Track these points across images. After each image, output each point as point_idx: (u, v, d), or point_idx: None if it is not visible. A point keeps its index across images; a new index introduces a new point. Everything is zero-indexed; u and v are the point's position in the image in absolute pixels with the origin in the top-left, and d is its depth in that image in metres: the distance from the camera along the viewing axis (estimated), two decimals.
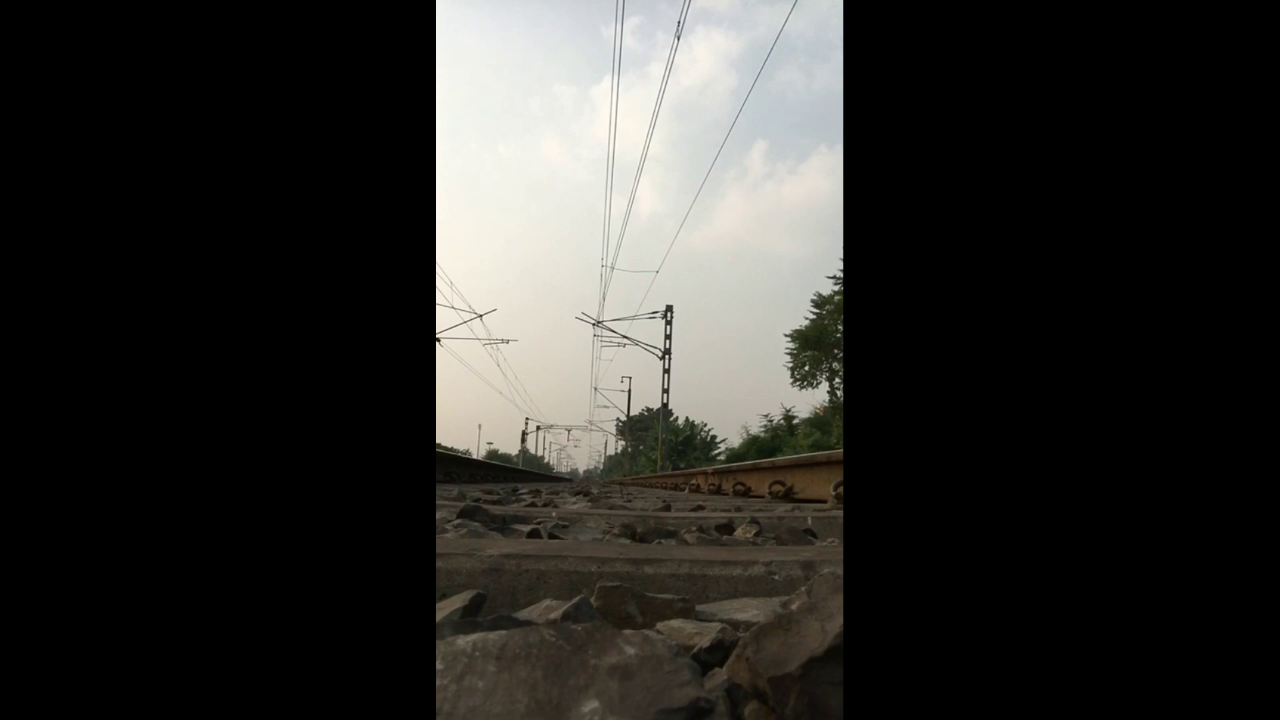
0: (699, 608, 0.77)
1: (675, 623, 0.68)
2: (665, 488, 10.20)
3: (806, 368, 29.59)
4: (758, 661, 0.50)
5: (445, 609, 0.68)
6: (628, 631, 0.49)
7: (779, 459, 5.81)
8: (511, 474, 16.25)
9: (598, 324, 21.23)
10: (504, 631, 0.49)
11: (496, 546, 1.03)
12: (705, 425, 33.37)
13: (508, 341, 26.45)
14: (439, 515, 1.81)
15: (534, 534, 1.61)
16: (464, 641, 0.47)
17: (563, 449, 77.25)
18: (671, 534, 1.66)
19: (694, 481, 8.90)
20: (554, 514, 2.23)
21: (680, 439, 31.06)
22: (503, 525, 1.81)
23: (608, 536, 1.67)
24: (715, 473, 7.85)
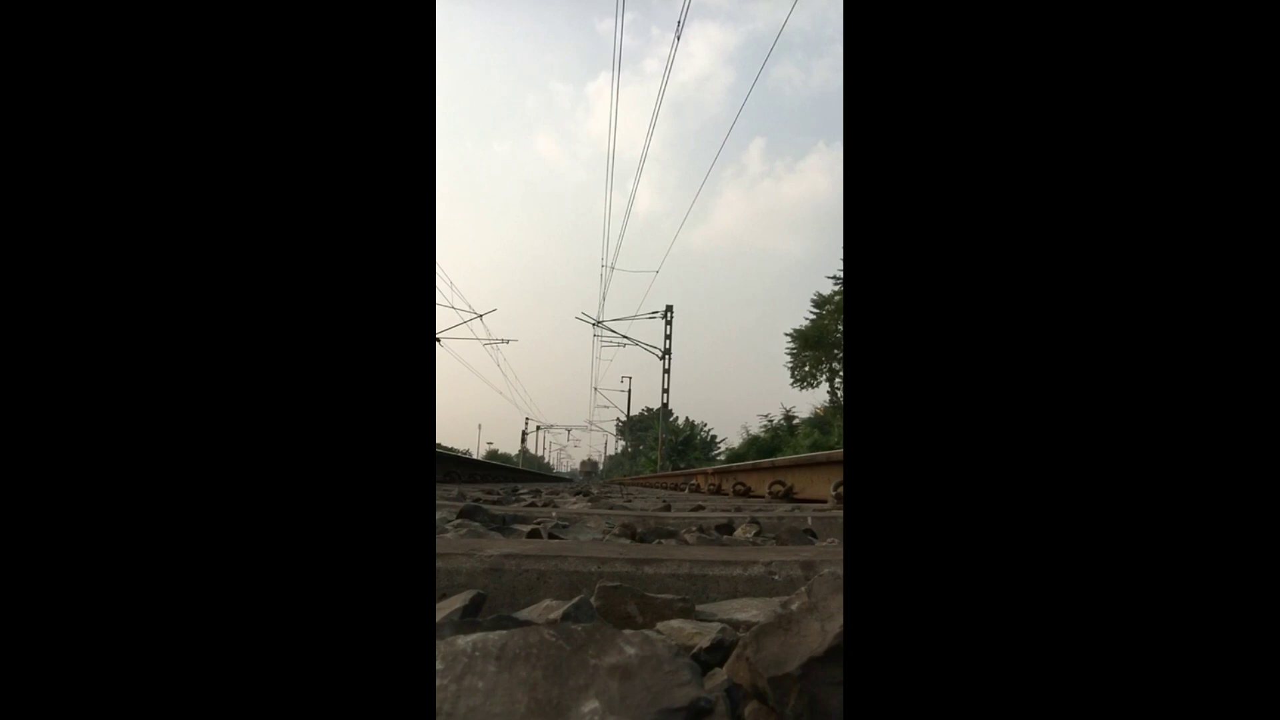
0: (699, 608, 0.77)
1: (675, 623, 0.68)
2: (665, 488, 10.19)
3: (806, 368, 29.58)
4: (758, 661, 0.50)
5: (445, 609, 0.68)
6: (628, 631, 0.49)
7: (779, 459, 5.81)
8: (511, 474, 16.26)
9: (598, 324, 21.24)
10: (504, 631, 0.49)
11: (496, 546, 1.03)
12: (705, 425, 33.40)
13: (508, 341, 26.48)
14: (439, 515, 1.81)
15: (534, 534, 1.61)
16: (464, 641, 0.47)
17: (563, 449, 77.26)
18: (671, 534, 1.66)
19: (694, 481, 8.90)
20: (554, 514, 2.23)
21: (680, 439, 31.06)
22: (503, 525, 1.81)
23: (608, 536, 1.67)
24: (715, 473, 7.85)
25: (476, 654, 0.46)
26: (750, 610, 0.76)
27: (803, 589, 0.57)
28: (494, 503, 3.04)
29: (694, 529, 1.75)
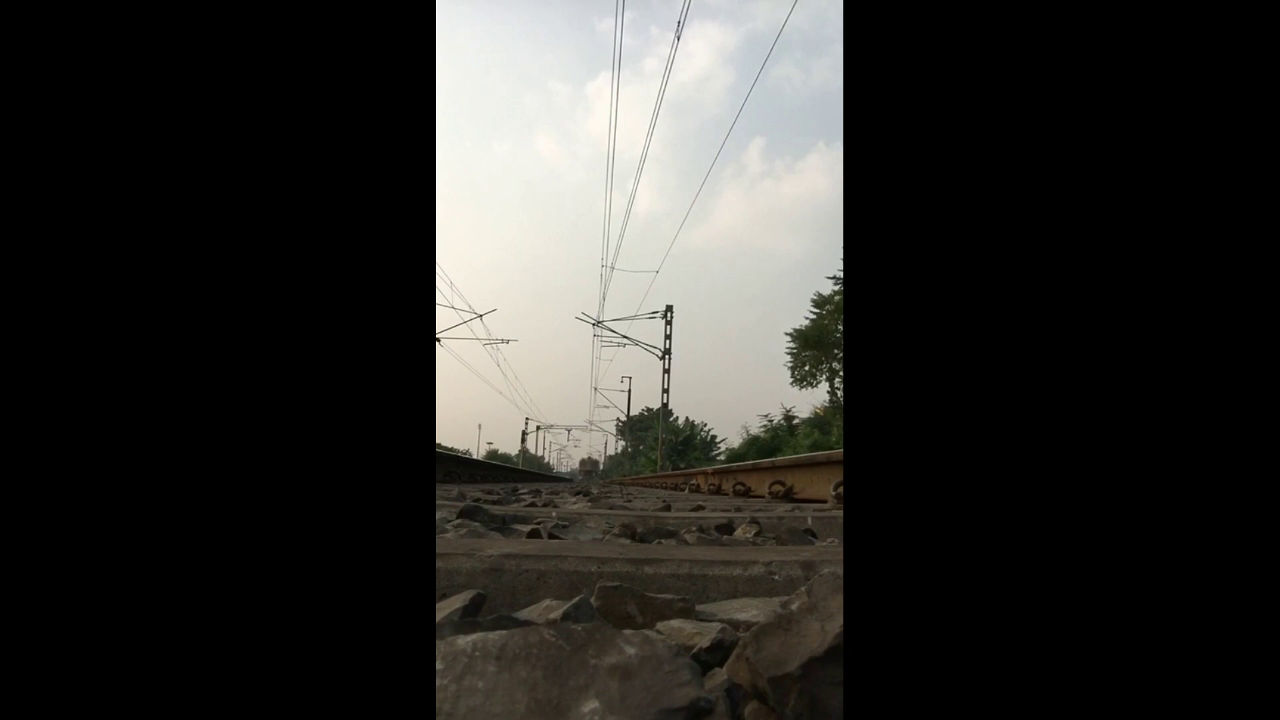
0: (699, 608, 0.77)
1: (675, 623, 0.68)
2: (665, 488, 10.19)
3: (806, 368, 29.57)
4: (758, 661, 0.50)
5: (445, 609, 0.68)
6: (628, 631, 0.49)
7: (779, 459, 5.82)
8: (511, 474, 16.27)
9: (598, 324, 21.24)
10: (504, 631, 0.49)
11: (496, 546, 1.03)
12: (705, 425, 33.41)
13: (508, 341, 26.49)
14: (439, 515, 1.81)
15: (534, 534, 1.61)
16: (464, 641, 0.47)
17: (563, 449, 77.24)
18: (671, 534, 1.66)
19: (694, 481, 8.90)
20: (554, 514, 2.23)
21: (680, 439, 31.07)
22: (503, 525, 1.81)
23: (608, 536, 1.67)
24: (715, 473, 7.85)
25: (476, 654, 0.46)
26: (750, 610, 0.76)
27: (803, 589, 0.57)
28: (494, 503, 3.04)
29: (694, 529, 1.75)
